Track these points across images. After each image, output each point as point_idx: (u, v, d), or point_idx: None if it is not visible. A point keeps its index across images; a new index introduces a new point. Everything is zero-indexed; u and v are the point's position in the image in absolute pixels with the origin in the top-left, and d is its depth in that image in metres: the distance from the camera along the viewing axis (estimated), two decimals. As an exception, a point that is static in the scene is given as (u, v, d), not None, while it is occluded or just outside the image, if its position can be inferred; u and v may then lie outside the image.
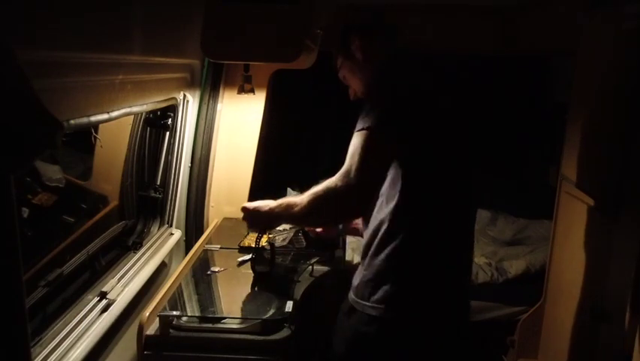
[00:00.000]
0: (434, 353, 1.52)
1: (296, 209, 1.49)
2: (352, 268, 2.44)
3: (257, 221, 1.65)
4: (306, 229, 2.03)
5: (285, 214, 1.55)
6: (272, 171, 2.29)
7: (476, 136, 1.69)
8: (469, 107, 1.73)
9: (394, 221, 1.46)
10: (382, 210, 1.49)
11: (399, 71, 1.59)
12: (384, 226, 1.47)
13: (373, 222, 1.51)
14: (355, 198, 1.41)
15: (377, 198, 1.50)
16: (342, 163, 1.43)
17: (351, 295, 1.55)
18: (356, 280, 1.55)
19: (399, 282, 1.47)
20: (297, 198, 1.51)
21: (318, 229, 1.97)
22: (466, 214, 1.58)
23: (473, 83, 3.37)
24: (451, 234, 1.53)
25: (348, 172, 1.39)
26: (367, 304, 1.48)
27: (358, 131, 1.41)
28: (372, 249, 1.50)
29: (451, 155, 1.52)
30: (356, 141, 1.40)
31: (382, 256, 1.48)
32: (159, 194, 2.16)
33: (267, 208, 1.60)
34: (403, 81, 1.54)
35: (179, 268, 1.81)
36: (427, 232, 1.49)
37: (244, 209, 1.66)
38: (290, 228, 2.09)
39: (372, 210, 1.51)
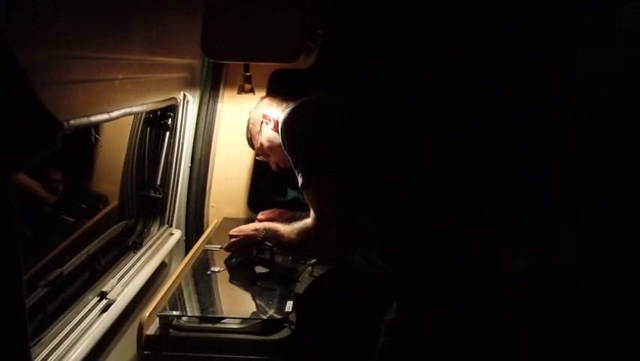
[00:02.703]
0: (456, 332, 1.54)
1: (283, 240, 1.68)
2: (352, 268, 2.45)
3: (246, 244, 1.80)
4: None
5: (273, 241, 1.72)
6: (272, 171, 2.31)
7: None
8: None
9: (377, 224, 1.58)
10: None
11: (296, 117, 1.68)
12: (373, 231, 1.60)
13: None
14: (335, 237, 1.59)
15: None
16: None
17: None
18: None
19: (397, 270, 1.58)
20: (285, 229, 1.68)
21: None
22: (444, 193, 1.62)
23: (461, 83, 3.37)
24: (430, 215, 1.57)
25: (319, 218, 1.55)
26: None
27: (303, 188, 1.58)
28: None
29: (396, 145, 1.62)
30: (308, 196, 1.57)
31: (381, 255, 1.60)
32: (159, 194, 2.15)
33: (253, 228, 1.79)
34: (302, 122, 1.65)
35: (179, 268, 1.81)
36: (406, 221, 1.57)
37: (232, 236, 1.83)
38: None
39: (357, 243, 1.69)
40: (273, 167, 1.92)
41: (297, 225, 1.64)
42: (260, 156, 1.99)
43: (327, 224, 1.55)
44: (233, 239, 1.84)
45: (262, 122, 1.88)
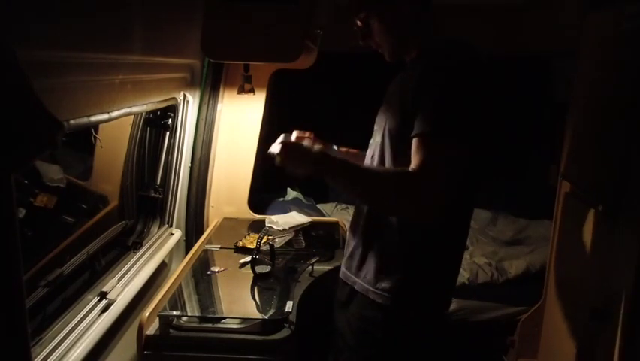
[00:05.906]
0: (432, 344, 1.52)
1: (356, 171, 1.35)
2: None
3: (293, 159, 1.40)
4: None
5: (342, 173, 1.36)
6: (272, 171, 2.32)
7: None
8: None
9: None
10: None
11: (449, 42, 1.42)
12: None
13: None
14: (430, 194, 1.28)
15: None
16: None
17: (352, 277, 1.49)
18: (354, 260, 1.49)
19: (408, 272, 1.42)
20: (362, 167, 1.40)
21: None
22: (471, 209, 1.56)
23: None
24: (462, 229, 1.51)
25: (423, 170, 1.27)
26: (371, 289, 1.43)
27: (425, 136, 1.27)
28: (384, 235, 1.43)
29: (482, 145, 1.44)
30: (425, 148, 1.28)
31: (395, 244, 1.42)
32: (159, 194, 2.16)
33: (312, 150, 1.40)
34: (461, 53, 1.40)
35: (179, 268, 1.81)
36: (444, 226, 1.42)
37: (284, 144, 1.43)
38: (289, 229, 2.09)
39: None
40: (362, 41, 1.48)
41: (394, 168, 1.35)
42: (357, 25, 1.48)
43: (429, 180, 1.27)
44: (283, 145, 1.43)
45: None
